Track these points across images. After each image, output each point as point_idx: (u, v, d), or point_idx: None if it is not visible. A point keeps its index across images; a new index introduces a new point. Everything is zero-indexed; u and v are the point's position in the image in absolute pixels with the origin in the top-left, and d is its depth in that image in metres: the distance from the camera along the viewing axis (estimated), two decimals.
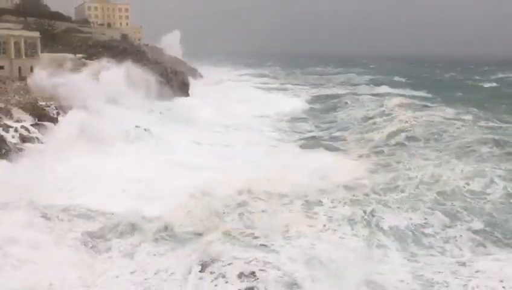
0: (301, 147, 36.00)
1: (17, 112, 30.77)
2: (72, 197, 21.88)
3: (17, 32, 46.07)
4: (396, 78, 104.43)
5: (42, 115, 31.66)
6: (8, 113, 30.17)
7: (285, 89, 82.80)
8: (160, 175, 25.43)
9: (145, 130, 34.59)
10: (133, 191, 22.88)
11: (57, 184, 23.32)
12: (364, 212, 20.90)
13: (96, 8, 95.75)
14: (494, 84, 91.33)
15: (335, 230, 19.27)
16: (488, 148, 31.02)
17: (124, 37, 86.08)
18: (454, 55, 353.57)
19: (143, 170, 26.10)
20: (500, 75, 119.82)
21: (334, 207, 21.72)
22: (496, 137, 33.44)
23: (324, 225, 19.71)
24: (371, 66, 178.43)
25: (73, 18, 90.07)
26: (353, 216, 20.53)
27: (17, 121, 29.83)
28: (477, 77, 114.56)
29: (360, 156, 32.39)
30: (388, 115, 45.87)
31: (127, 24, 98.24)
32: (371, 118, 45.95)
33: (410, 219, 20.25)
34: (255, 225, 19.65)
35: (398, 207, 21.67)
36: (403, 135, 36.65)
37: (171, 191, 22.52)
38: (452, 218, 20.34)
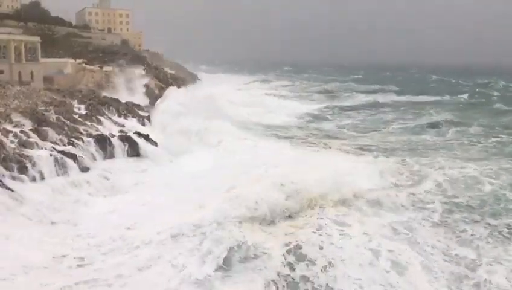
0: None
1: (16, 117, 30.44)
2: None
3: (17, 37, 45.91)
4: None
5: (42, 120, 31.30)
6: (8, 118, 29.86)
7: None
8: None
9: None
10: None
11: None
12: None
13: (96, 14, 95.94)
14: None
15: None
16: None
17: (125, 42, 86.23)
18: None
19: None
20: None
21: None
22: None
23: None
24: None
25: (74, 23, 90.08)
26: None
27: (16, 126, 29.49)
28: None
29: None
30: None
31: (127, 30, 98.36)
32: None
33: None
34: None
35: None
36: None
37: None
38: None
